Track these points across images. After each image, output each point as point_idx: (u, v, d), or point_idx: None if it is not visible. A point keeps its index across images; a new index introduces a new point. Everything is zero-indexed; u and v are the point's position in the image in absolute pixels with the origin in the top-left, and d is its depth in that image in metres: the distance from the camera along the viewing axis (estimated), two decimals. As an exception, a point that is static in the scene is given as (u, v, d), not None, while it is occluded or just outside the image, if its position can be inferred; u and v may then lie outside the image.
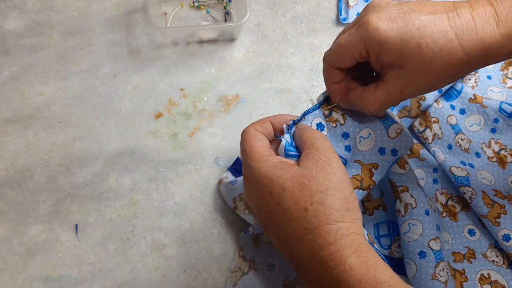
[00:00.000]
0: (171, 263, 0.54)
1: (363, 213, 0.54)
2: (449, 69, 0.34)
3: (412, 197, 0.49)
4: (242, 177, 0.51)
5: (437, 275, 0.47)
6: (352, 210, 0.34)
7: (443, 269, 0.48)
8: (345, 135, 0.42)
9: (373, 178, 0.43)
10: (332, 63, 0.39)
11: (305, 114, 0.42)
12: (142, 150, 0.59)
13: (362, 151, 0.43)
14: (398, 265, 0.52)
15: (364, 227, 0.54)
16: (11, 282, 0.52)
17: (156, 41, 0.65)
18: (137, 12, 0.67)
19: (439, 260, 0.48)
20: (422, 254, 0.48)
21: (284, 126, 0.41)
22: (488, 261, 0.52)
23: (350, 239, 0.32)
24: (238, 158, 0.58)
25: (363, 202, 0.55)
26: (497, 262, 0.52)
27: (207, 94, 0.62)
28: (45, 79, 0.62)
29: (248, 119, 0.61)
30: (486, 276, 0.51)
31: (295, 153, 0.39)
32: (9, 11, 0.66)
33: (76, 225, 0.55)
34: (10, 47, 0.64)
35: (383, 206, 0.55)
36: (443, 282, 0.47)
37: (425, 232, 0.48)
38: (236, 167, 0.57)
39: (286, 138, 0.40)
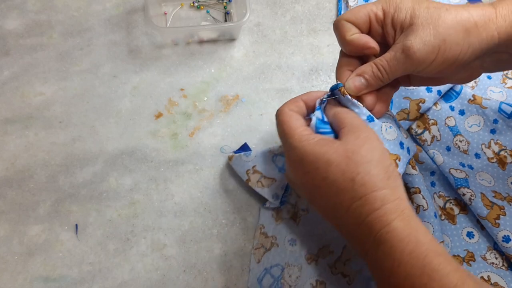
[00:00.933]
0: (171, 263, 0.54)
1: None
2: (456, 25, 0.37)
3: (424, 199, 0.48)
4: (253, 151, 0.55)
5: None
6: (394, 178, 0.37)
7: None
8: (370, 119, 0.42)
9: (398, 169, 0.42)
10: (347, 17, 0.41)
11: (332, 89, 0.42)
12: (142, 150, 0.59)
13: (387, 139, 0.42)
14: None
15: None
16: (11, 282, 0.53)
17: (156, 41, 0.65)
18: (137, 12, 0.67)
19: None
20: None
21: (317, 101, 0.42)
22: (487, 263, 0.52)
23: (395, 204, 0.35)
24: (245, 144, 0.58)
25: None
26: (496, 264, 0.52)
27: (207, 94, 0.62)
28: (45, 79, 0.62)
29: (248, 119, 0.61)
30: (486, 278, 0.51)
31: (327, 130, 0.40)
32: (9, 11, 0.66)
33: (76, 225, 0.55)
34: (10, 47, 0.64)
35: None
36: None
37: (435, 234, 0.48)
38: (242, 152, 0.57)
39: (317, 115, 0.41)
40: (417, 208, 0.48)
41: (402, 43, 0.38)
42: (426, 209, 0.48)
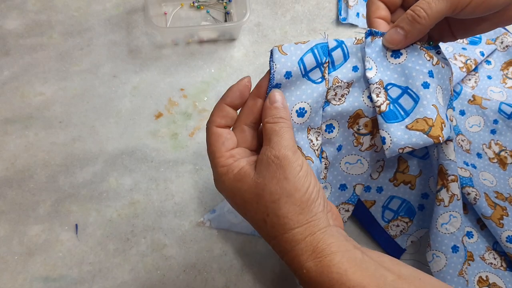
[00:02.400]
0: (171, 263, 0.54)
1: (390, 181, 0.53)
2: None
3: (459, 188, 0.46)
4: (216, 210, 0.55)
5: (463, 272, 0.46)
6: (308, 210, 0.34)
7: (467, 267, 0.47)
8: (431, 74, 0.40)
9: (443, 132, 0.40)
10: None
11: (372, 34, 0.40)
12: (142, 150, 0.59)
13: (439, 102, 0.40)
14: (389, 241, 0.53)
15: (380, 193, 0.52)
16: (11, 282, 0.52)
17: (156, 41, 0.65)
18: (137, 12, 0.67)
19: (466, 258, 0.47)
20: (455, 249, 0.46)
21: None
22: (486, 263, 0.52)
23: (306, 243, 0.33)
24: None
25: (396, 172, 0.52)
26: (495, 264, 0.52)
27: (207, 94, 0.62)
28: (45, 79, 0.62)
29: (248, 119, 0.61)
30: (485, 278, 0.51)
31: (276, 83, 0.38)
32: (9, 11, 0.66)
33: (76, 225, 0.55)
34: (10, 47, 0.64)
35: (412, 185, 0.53)
36: (466, 280, 0.46)
37: (461, 226, 0.46)
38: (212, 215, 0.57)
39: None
40: (451, 197, 0.46)
41: None
42: (459, 199, 0.46)
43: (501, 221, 0.51)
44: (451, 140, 0.44)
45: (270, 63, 0.39)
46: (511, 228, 0.50)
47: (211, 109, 0.61)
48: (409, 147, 0.39)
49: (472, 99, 0.59)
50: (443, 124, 0.39)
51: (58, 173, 0.58)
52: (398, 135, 0.39)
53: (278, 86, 0.39)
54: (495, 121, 0.57)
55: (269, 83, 0.39)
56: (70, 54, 0.64)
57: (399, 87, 0.40)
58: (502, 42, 0.63)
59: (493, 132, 0.57)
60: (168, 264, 0.54)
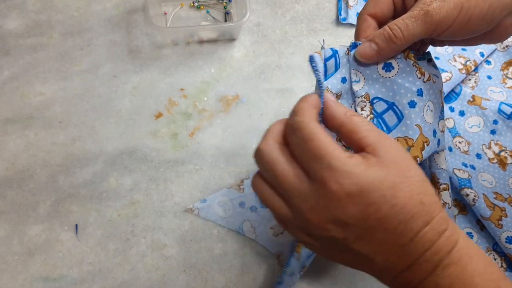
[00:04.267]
0: (171, 263, 0.54)
1: None
2: None
3: (450, 196, 0.46)
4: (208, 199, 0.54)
5: None
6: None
7: None
8: (420, 92, 0.39)
9: (422, 153, 0.39)
10: (369, 9, 0.38)
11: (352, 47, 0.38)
12: (142, 150, 0.59)
13: (426, 120, 0.40)
14: None
15: None
16: (11, 282, 0.53)
17: (156, 41, 0.65)
18: (137, 12, 0.67)
19: None
20: None
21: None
22: None
23: (452, 222, 0.32)
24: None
25: None
26: None
27: (207, 94, 0.62)
28: (45, 79, 0.62)
29: (248, 119, 0.61)
30: None
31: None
32: (9, 11, 0.66)
33: (76, 225, 0.55)
34: (10, 47, 0.64)
35: None
36: None
37: None
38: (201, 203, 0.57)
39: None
40: (443, 206, 0.46)
41: (421, 0, 0.34)
42: (450, 208, 0.47)
43: (500, 222, 0.51)
44: (443, 151, 0.44)
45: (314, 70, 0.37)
46: (510, 229, 0.50)
47: (211, 109, 0.61)
48: None
49: (471, 99, 0.59)
50: (425, 143, 0.39)
51: (58, 173, 0.58)
52: None
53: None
54: (495, 122, 0.57)
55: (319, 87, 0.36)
56: (70, 54, 0.64)
57: (385, 101, 0.39)
58: (502, 42, 0.63)
59: (493, 132, 0.57)
60: (168, 264, 0.54)
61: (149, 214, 0.56)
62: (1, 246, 0.54)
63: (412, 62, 0.38)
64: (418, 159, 0.39)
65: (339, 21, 0.67)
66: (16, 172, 0.58)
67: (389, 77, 0.38)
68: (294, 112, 0.32)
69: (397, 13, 0.39)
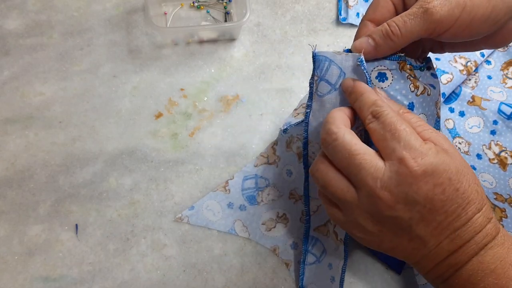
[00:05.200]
0: (171, 263, 0.54)
1: None
2: None
3: None
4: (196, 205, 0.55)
5: None
6: None
7: None
8: (410, 106, 0.39)
9: None
10: (369, 14, 0.38)
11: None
12: (142, 150, 0.59)
13: None
14: (389, 256, 0.53)
15: None
16: (11, 282, 0.53)
17: (156, 41, 0.65)
18: (137, 12, 0.67)
19: None
20: None
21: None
22: None
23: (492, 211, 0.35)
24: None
25: None
26: None
27: (207, 94, 0.62)
28: (45, 79, 0.62)
29: (248, 119, 0.61)
30: None
31: None
32: (9, 11, 0.66)
33: (76, 225, 0.55)
34: (10, 47, 0.64)
35: None
36: None
37: None
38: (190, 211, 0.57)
39: None
40: None
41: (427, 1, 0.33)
42: None
43: (500, 222, 0.51)
44: None
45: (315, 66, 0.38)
46: (511, 230, 0.50)
47: (211, 109, 0.61)
48: None
49: (471, 100, 0.59)
50: None
51: (58, 173, 0.58)
52: None
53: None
54: (495, 122, 0.57)
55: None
56: (70, 54, 0.64)
57: None
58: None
59: (493, 132, 0.57)
60: (168, 264, 0.54)
61: (149, 214, 0.56)
62: (1, 246, 0.54)
63: (407, 74, 0.38)
64: None
65: (339, 21, 0.67)
66: (16, 172, 0.58)
67: (382, 88, 0.38)
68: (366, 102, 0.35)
69: (398, 10, 0.39)
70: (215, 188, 0.57)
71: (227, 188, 0.57)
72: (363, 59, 0.36)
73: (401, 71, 0.38)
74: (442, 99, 0.58)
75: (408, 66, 0.38)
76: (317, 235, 0.52)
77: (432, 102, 0.40)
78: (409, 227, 0.33)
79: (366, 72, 0.36)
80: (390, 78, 0.38)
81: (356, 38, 0.39)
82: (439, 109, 0.42)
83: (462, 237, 0.33)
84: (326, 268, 0.52)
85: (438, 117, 0.42)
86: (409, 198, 0.32)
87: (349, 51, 0.38)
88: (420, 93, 0.39)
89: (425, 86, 0.39)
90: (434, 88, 0.40)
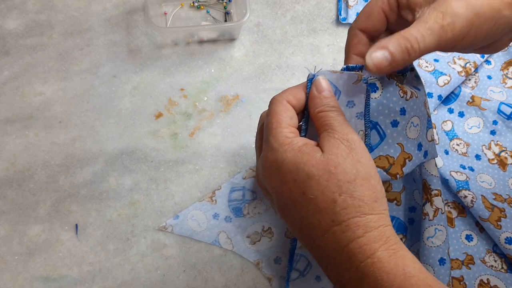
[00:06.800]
0: (171, 263, 0.54)
1: None
2: None
3: (443, 202, 0.48)
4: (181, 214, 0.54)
5: (450, 284, 0.47)
6: (381, 201, 0.32)
7: (464, 272, 0.48)
8: (402, 111, 0.39)
9: (403, 169, 0.40)
10: (360, 23, 0.37)
11: (349, 69, 0.37)
12: (142, 150, 0.59)
13: (408, 137, 0.40)
14: None
15: None
16: (11, 282, 0.53)
17: (156, 41, 0.65)
18: (137, 12, 0.67)
19: (450, 274, 0.48)
20: (442, 261, 0.47)
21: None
22: (486, 266, 0.52)
23: (380, 231, 0.31)
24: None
25: None
26: (495, 267, 0.52)
27: (207, 94, 0.62)
28: (45, 79, 0.62)
29: (248, 119, 0.61)
30: (486, 281, 0.51)
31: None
32: (9, 11, 0.66)
33: (76, 225, 0.55)
34: (10, 47, 0.64)
35: (397, 201, 0.54)
36: None
37: (447, 239, 0.47)
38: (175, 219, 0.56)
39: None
40: (436, 211, 0.48)
41: (433, 13, 0.32)
42: (443, 213, 0.48)
43: (499, 223, 0.51)
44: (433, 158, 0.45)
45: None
46: (509, 230, 0.50)
47: (211, 109, 0.61)
48: None
49: (471, 100, 0.59)
50: (407, 159, 0.40)
51: (58, 173, 0.58)
52: None
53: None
54: (495, 122, 0.57)
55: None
56: (70, 54, 0.64)
57: (370, 121, 0.39)
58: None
59: (492, 133, 0.57)
60: (168, 264, 0.54)
61: (149, 214, 0.56)
62: (1, 246, 0.54)
63: (395, 82, 0.38)
64: (398, 175, 0.40)
65: (339, 21, 0.67)
66: (16, 172, 0.58)
67: (375, 98, 0.38)
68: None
69: (390, 26, 0.38)
70: (202, 198, 0.56)
71: (213, 198, 0.56)
72: (366, 77, 0.37)
73: (389, 79, 0.38)
74: (439, 101, 0.58)
75: (394, 72, 0.38)
76: (301, 251, 0.51)
77: (421, 104, 0.41)
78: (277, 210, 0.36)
79: (368, 89, 0.37)
80: (380, 88, 0.38)
81: (347, 47, 0.39)
82: (428, 108, 0.43)
83: (319, 247, 0.33)
84: (313, 281, 0.51)
85: (429, 116, 0.43)
86: (265, 187, 0.36)
87: (347, 69, 0.38)
88: (410, 97, 0.39)
89: (411, 90, 0.39)
90: (419, 90, 0.41)
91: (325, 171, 0.32)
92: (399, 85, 0.38)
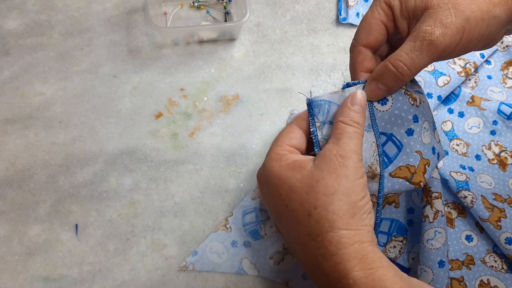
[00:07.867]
0: (171, 263, 0.54)
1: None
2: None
3: (443, 204, 0.48)
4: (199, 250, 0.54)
5: (449, 285, 0.47)
6: (359, 217, 0.32)
7: (465, 272, 0.48)
8: (415, 119, 0.39)
9: (425, 175, 0.40)
10: (362, 40, 0.37)
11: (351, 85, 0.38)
12: (142, 150, 0.59)
13: (424, 143, 0.40)
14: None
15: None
16: (11, 282, 0.53)
17: (156, 41, 0.65)
18: (137, 12, 0.67)
19: (449, 276, 0.48)
20: (441, 264, 0.47)
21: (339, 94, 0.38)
22: (487, 266, 0.52)
23: (354, 248, 0.30)
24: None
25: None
26: (495, 267, 0.52)
27: (207, 94, 0.62)
28: (45, 79, 0.62)
29: (248, 119, 0.61)
30: (486, 282, 0.51)
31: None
32: (9, 11, 0.66)
33: (76, 225, 0.55)
34: (10, 47, 0.64)
35: (396, 204, 0.54)
36: None
37: (446, 241, 0.48)
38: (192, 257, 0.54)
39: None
40: (436, 214, 0.48)
41: (421, 29, 0.33)
42: (443, 215, 0.48)
43: (498, 223, 0.51)
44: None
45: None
46: (509, 230, 0.50)
47: (211, 109, 0.61)
48: (391, 193, 0.40)
49: (470, 100, 0.59)
50: (426, 166, 0.40)
51: (58, 173, 0.58)
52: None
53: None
54: (495, 122, 0.57)
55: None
56: (70, 54, 0.64)
57: (384, 134, 0.39)
58: (502, 42, 0.63)
59: (492, 133, 0.57)
60: (168, 264, 0.54)
61: (149, 214, 0.56)
62: (1, 246, 0.54)
63: (403, 90, 0.38)
64: (421, 183, 0.40)
65: (339, 21, 0.67)
66: (16, 172, 0.58)
67: (386, 110, 0.38)
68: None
69: (389, 36, 0.38)
70: (215, 228, 0.55)
71: (227, 226, 0.55)
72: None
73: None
74: (438, 102, 0.58)
75: None
76: None
77: (427, 106, 0.41)
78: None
79: (370, 103, 0.38)
80: (390, 100, 0.38)
81: (353, 65, 0.39)
82: (431, 110, 0.43)
83: (300, 260, 0.34)
84: None
85: (432, 118, 0.43)
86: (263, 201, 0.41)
87: (348, 85, 0.38)
88: (419, 104, 0.39)
89: (417, 95, 0.40)
90: (422, 93, 0.41)
91: (306, 184, 0.33)
92: (408, 92, 0.39)
